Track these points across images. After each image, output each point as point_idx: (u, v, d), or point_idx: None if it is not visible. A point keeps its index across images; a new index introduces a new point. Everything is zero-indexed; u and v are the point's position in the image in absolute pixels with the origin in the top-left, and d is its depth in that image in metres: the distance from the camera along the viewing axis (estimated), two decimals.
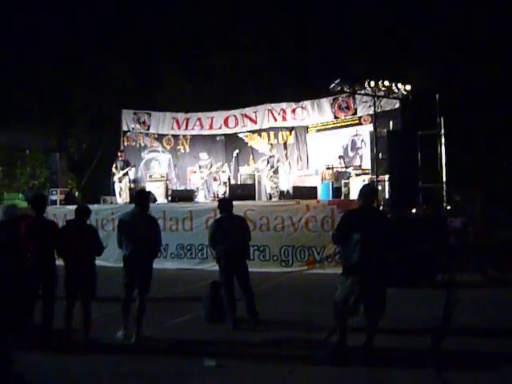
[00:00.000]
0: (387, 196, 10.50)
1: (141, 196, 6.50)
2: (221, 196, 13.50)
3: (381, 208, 9.80)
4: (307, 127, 15.61)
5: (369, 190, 5.69)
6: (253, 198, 12.35)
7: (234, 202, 7.34)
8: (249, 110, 16.54)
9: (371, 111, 11.61)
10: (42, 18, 20.31)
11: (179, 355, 5.60)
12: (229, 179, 14.38)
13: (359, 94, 11.80)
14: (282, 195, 14.12)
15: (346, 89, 11.22)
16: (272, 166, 14.35)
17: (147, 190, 12.77)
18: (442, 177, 9.76)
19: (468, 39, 15.79)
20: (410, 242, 8.85)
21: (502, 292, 8.56)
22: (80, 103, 20.36)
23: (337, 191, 12.38)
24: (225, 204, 7.10)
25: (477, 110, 15.93)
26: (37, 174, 20.84)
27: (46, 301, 5.94)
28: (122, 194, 14.29)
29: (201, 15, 19.71)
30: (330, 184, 12.59)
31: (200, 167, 15.32)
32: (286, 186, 14.91)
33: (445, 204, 10.19)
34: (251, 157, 16.19)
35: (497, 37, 15.37)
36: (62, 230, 6.23)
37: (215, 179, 14.63)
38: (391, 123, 11.57)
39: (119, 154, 14.87)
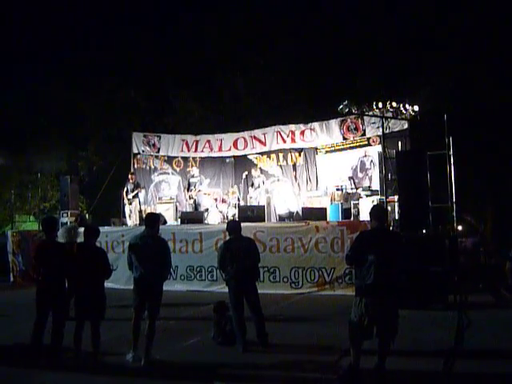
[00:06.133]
0: (397, 217, 10.46)
1: (151, 218, 6.52)
2: (230, 218, 13.52)
3: (391, 229, 9.75)
4: (316, 148, 15.64)
5: (380, 211, 5.68)
6: (262, 219, 12.36)
7: (244, 224, 7.36)
8: (258, 132, 16.61)
9: (380, 132, 11.64)
10: (56, 42, 20.74)
11: (189, 378, 5.56)
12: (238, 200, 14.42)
13: (367, 115, 11.85)
14: (292, 216, 14.12)
15: (354, 110, 11.28)
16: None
17: (157, 212, 12.79)
18: (452, 197, 9.72)
19: (478, 58, 15.80)
20: (421, 263, 8.80)
21: None
22: (91, 126, 20.58)
23: (346, 212, 12.34)
24: (233, 226, 7.11)
25: (486, 129, 15.89)
26: (48, 197, 21.00)
27: (56, 322, 5.96)
28: (132, 216, 14.34)
29: (210, 39, 19.99)
30: (340, 205, 12.56)
31: (189, 184, 15.10)
32: (295, 207, 14.93)
33: (455, 224, 10.13)
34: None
35: (508, 56, 15.35)
36: (72, 252, 6.27)
37: (224, 201, 14.65)
38: (400, 144, 11.58)
39: (130, 176, 14.93)
